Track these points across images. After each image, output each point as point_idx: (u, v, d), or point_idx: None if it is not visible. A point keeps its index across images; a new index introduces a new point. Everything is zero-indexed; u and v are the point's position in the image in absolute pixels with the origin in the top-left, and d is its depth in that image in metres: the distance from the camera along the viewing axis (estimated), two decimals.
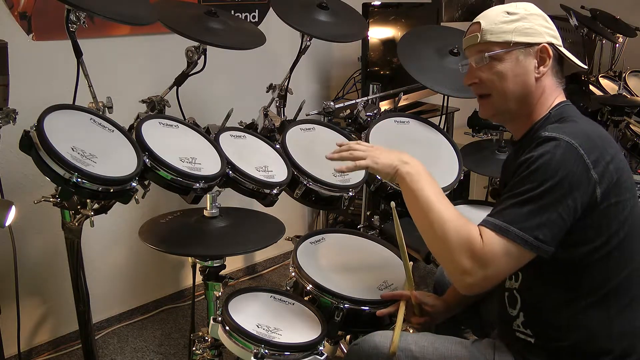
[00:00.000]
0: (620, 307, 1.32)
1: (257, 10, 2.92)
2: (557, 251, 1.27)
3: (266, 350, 1.46)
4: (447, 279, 1.81)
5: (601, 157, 1.27)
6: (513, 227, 1.25)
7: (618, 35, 3.74)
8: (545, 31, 1.41)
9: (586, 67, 1.50)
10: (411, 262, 1.71)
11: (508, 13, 1.41)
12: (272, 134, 2.09)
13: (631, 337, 1.33)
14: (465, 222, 1.31)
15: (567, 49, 1.44)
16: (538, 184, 1.25)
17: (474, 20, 1.46)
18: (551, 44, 1.40)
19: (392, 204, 1.65)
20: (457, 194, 3.03)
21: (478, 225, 1.30)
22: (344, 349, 1.95)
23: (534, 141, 1.31)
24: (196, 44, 1.91)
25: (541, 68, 1.40)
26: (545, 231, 1.24)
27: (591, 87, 3.25)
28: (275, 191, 1.75)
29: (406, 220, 2.05)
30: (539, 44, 1.39)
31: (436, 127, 2.20)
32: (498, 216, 1.28)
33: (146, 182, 1.70)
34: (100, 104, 1.72)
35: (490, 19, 1.42)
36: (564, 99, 1.44)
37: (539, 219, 1.24)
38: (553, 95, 1.42)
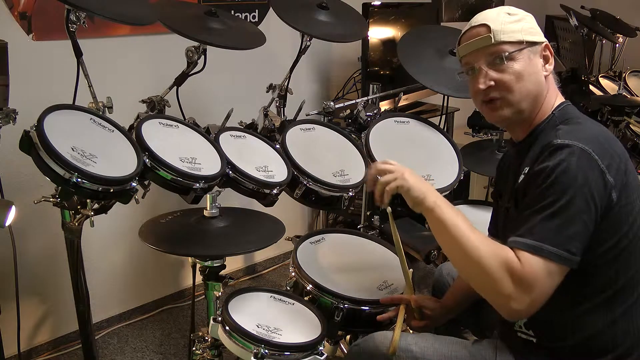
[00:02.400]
0: (625, 307, 1.32)
1: (257, 10, 2.92)
2: None
3: (266, 350, 1.46)
4: (446, 280, 1.81)
5: (613, 161, 1.27)
6: (546, 245, 1.22)
7: (618, 35, 3.74)
8: (540, 31, 1.43)
9: (563, 67, 1.52)
10: (411, 270, 1.71)
11: (509, 14, 1.40)
12: (272, 134, 2.09)
13: (634, 337, 1.33)
14: (500, 245, 1.28)
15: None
16: (560, 195, 1.23)
17: (476, 24, 1.43)
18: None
19: (389, 209, 1.64)
20: (457, 194, 3.02)
21: (510, 247, 1.27)
22: (344, 349, 1.95)
23: (546, 149, 1.29)
24: (196, 44, 1.91)
25: (547, 66, 1.41)
26: (577, 244, 1.23)
27: (591, 87, 3.24)
28: (275, 191, 1.75)
29: (405, 220, 2.06)
30: (542, 42, 1.41)
31: (436, 127, 2.20)
32: (528, 235, 1.25)
33: (146, 182, 1.70)
34: (100, 104, 1.73)
35: (496, 20, 1.40)
36: (563, 99, 1.44)
37: (568, 232, 1.23)
38: (554, 95, 1.43)
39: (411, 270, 1.71)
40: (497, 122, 1.48)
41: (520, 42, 1.38)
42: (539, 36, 1.41)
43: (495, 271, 1.24)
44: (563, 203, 1.23)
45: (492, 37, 1.38)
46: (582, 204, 1.23)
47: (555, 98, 1.43)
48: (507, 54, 1.37)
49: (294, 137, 1.96)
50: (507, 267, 1.24)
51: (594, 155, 1.25)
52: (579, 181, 1.23)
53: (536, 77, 1.39)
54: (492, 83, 1.40)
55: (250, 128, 2.06)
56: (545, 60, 1.41)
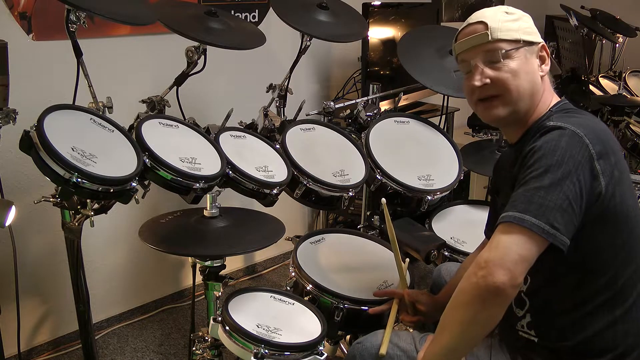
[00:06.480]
0: (626, 307, 1.32)
1: (257, 10, 2.92)
2: (567, 255, 1.24)
3: (266, 350, 1.46)
4: (445, 280, 1.81)
5: (605, 152, 1.26)
6: (528, 216, 1.21)
7: (618, 35, 3.74)
8: (537, 32, 1.43)
9: (560, 70, 1.52)
10: (407, 259, 1.70)
11: (507, 13, 1.41)
12: (272, 134, 2.09)
13: (635, 336, 1.33)
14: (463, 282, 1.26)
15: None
16: (545, 169, 1.22)
17: (473, 21, 1.44)
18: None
19: (383, 200, 1.64)
20: (457, 194, 3.03)
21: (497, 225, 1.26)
22: (344, 349, 1.95)
23: (539, 131, 1.30)
24: (196, 44, 1.92)
25: (543, 66, 1.41)
26: (559, 218, 1.20)
27: (591, 87, 3.24)
28: (275, 191, 1.75)
29: (405, 220, 2.06)
30: (539, 43, 1.41)
31: (436, 127, 2.20)
32: (511, 209, 1.24)
33: (146, 182, 1.70)
34: (100, 104, 1.73)
35: (494, 18, 1.41)
36: (559, 98, 1.45)
37: (550, 204, 1.21)
38: (550, 95, 1.44)
39: (407, 259, 1.70)
40: (491, 122, 1.46)
41: (517, 41, 1.38)
42: (535, 36, 1.41)
43: (473, 294, 1.22)
44: (547, 176, 1.22)
45: (490, 34, 1.39)
46: (567, 181, 1.21)
47: (551, 99, 1.43)
48: (504, 51, 1.38)
49: (294, 137, 1.96)
50: (474, 277, 1.21)
51: (585, 139, 1.24)
52: (566, 158, 1.22)
53: (532, 77, 1.40)
54: (488, 81, 1.39)
55: (250, 128, 2.06)
56: (542, 60, 1.41)
